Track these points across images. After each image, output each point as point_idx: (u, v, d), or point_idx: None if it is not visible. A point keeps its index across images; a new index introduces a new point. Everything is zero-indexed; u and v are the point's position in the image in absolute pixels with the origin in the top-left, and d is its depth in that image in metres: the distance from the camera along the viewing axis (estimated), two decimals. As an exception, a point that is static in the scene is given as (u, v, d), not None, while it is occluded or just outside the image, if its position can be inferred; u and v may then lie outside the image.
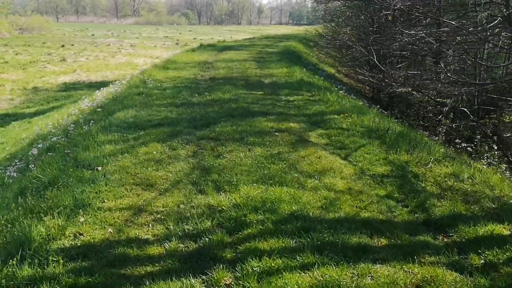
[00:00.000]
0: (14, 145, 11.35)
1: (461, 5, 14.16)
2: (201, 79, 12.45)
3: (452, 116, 15.80)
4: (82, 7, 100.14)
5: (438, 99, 14.84)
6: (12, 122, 17.30)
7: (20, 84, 24.88)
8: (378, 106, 15.44)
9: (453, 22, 11.84)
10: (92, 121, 8.00)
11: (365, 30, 14.85)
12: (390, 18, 15.47)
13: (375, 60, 11.78)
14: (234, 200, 4.47)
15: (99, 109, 9.61)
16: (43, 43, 43.03)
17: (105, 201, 4.48)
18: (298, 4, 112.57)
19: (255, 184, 4.88)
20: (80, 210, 4.22)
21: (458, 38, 14.55)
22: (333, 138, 6.98)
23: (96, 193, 4.63)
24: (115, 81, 26.64)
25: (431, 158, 5.94)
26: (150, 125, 7.37)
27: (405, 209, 4.61)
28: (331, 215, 4.25)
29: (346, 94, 13.13)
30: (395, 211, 4.51)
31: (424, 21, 16.29)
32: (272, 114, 8.23)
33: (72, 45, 42.21)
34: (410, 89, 14.37)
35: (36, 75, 28.35)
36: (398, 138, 6.83)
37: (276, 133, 6.94)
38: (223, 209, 4.30)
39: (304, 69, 15.12)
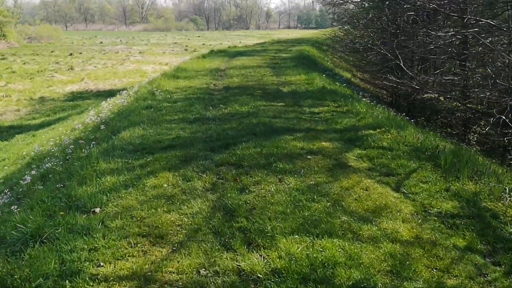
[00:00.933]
0: (15, 162, 10.31)
1: (490, 3, 12.95)
2: (214, 88, 11.35)
3: (482, 124, 14.56)
4: (90, 15, 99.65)
5: (471, 105, 13.58)
6: (16, 135, 16.35)
7: (27, 94, 24.01)
8: (404, 114, 14.25)
9: (491, 21, 10.63)
10: (93, 142, 6.92)
11: (387, 32, 13.68)
12: (411, 19, 14.29)
13: (401, 64, 10.64)
14: (272, 262, 3.32)
15: (102, 126, 8.56)
16: (51, 51, 42.33)
17: (102, 264, 3.35)
18: (306, 7, 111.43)
19: (296, 235, 3.71)
20: (67, 281, 3.11)
21: (490, 39, 13.33)
22: (375, 160, 5.82)
23: (90, 251, 3.51)
24: (123, 89, 25.61)
25: (505, 189, 4.75)
26: (160, 147, 6.26)
27: (498, 269, 3.44)
28: (407, 285, 3.09)
29: (371, 102, 11.98)
30: (487, 274, 3.34)
31: (449, 21, 15.10)
32: (298, 131, 7.08)
33: (80, 53, 41.45)
34: (444, 96, 13.18)
35: (44, 85, 27.48)
36: (454, 160, 5.65)
37: (308, 156, 5.79)
38: (258, 277, 3.15)
39: (323, 75, 13.98)
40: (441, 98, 14.41)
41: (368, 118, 8.06)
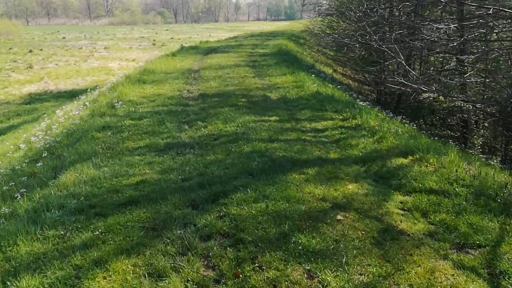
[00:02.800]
0: None
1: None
2: (188, 97, 9.26)
3: (486, 126, 12.99)
4: (53, 9, 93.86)
5: (478, 105, 11.94)
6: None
7: (-23, 97, 21.25)
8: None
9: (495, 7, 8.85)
10: (23, 190, 4.81)
11: (383, 26, 11.85)
12: (407, 11, 12.54)
13: (403, 62, 8.89)
14: None
15: (45, 153, 6.44)
16: (10, 48, 38.93)
17: None
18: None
19: None
20: None
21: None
22: (432, 217, 3.93)
23: None
24: (87, 89, 23.04)
25: None
26: (116, 202, 4.20)
27: None
28: None
29: (370, 105, 10.22)
30: None
31: (446, 13, 13.45)
32: (308, 163, 5.14)
33: (41, 49, 38.22)
34: (445, 96, 11.50)
35: (-2, 86, 24.53)
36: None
37: (338, 216, 3.84)
38: None
39: (312, 75, 12.08)
40: (441, 97, 12.78)
41: (389, 137, 6.18)
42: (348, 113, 7.58)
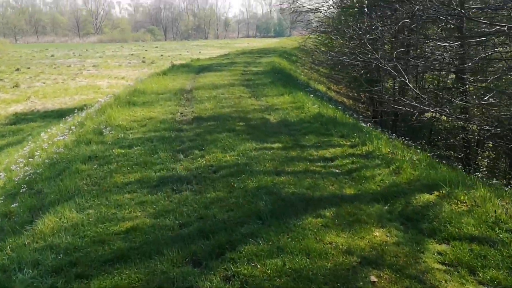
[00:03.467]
0: None
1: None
2: (182, 120, 8.58)
3: (491, 146, 12.47)
4: (42, 27, 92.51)
5: (484, 126, 11.42)
6: None
7: (-39, 118, 20.36)
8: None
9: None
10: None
11: (381, 43, 11.37)
12: (407, 28, 12.09)
13: (407, 81, 8.34)
14: None
15: (24, 188, 5.74)
16: (-4, 67, 38.02)
17: None
18: (264, 16, 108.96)
19: None
20: None
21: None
22: (480, 274, 3.26)
23: None
24: (75, 109, 22.19)
25: None
26: (102, 259, 3.47)
27: None
28: None
29: (373, 127, 9.66)
30: None
31: (446, 30, 13.02)
32: (323, 203, 4.46)
33: (29, 68, 37.32)
34: (447, 115, 11.03)
35: (-17, 106, 23.64)
36: None
37: (372, 277, 3.17)
38: None
39: (310, 95, 11.51)
40: (443, 117, 12.28)
41: (407, 168, 5.55)
42: (357, 139, 6.95)
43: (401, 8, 11.53)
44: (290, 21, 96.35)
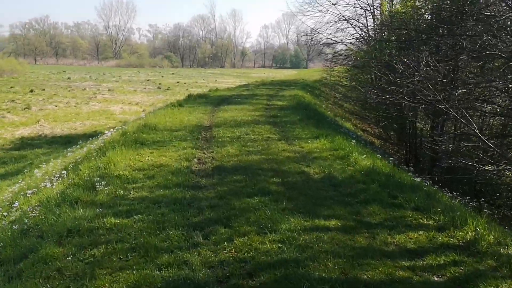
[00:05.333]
0: None
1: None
2: (199, 170, 6.65)
3: None
4: (62, 50, 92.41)
5: None
6: None
7: (-34, 141, 18.82)
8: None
9: None
10: None
11: (443, 83, 9.46)
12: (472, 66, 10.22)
13: (475, 130, 6.40)
14: None
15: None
16: (11, 87, 36.81)
17: None
18: (280, 47, 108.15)
19: None
20: None
21: None
22: None
23: None
24: (84, 135, 20.36)
25: None
26: None
27: None
28: None
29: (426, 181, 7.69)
30: None
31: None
32: None
33: (43, 89, 36.08)
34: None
35: (-11, 128, 22.09)
36: None
37: None
38: None
39: (353, 141, 9.58)
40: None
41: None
42: (441, 216, 4.93)
43: (462, 41, 9.70)
44: (307, 53, 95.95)
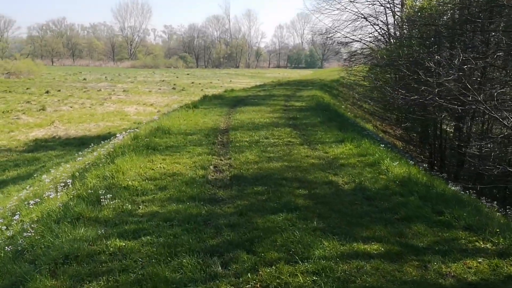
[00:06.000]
0: None
1: None
2: (216, 180, 5.98)
3: None
4: (78, 51, 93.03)
5: None
6: None
7: (-22, 142, 18.53)
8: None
9: None
10: None
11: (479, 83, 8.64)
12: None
13: None
14: None
15: None
16: (27, 88, 36.76)
17: None
18: (295, 47, 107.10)
19: None
20: None
21: None
22: None
23: None
24: (98, 136, 19.84)
25: None
26: None
27: None
28: None
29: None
30: None
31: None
32: None
33: (59, 90, 35.91)
34: None
35: (4, 129, 21.83)
36: None
37: None
38: None
39: (381, 145, 8.82)
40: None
41: None
42: (500, 238, 4.17)
43: (497, 37, 8.87)
44: (322, 53, 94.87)
